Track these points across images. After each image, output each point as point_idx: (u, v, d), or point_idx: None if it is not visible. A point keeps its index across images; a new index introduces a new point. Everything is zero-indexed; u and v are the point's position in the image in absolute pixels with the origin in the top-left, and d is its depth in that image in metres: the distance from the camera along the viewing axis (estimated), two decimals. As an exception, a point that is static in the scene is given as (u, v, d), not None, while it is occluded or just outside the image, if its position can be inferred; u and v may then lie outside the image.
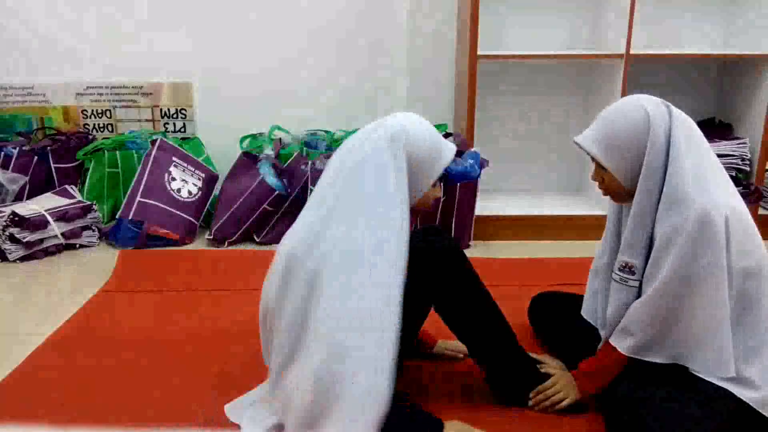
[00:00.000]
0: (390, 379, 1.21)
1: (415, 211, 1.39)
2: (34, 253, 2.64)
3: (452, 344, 1.75)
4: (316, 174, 2.69)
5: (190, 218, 2.89)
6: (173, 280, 2.40)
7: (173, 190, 2.87)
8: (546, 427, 1.48)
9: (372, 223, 1.25)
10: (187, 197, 2.90)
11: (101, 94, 3.20)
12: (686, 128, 1.38)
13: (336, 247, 1.25)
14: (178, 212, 2.84)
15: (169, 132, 3.24)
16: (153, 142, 2.92)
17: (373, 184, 1.28)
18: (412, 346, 1.63)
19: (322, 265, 1.24)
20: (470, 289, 1.52)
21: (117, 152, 3.01)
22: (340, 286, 1.23)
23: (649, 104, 1.39)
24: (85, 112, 3.23)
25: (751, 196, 2.76)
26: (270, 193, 2.81)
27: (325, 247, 1.26)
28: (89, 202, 2.84)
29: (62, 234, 2.69)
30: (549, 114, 3.16)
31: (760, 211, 2.87)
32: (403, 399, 1.38)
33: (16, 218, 2.58)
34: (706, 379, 1.34)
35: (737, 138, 2.89)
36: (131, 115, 3.23)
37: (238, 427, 1.46)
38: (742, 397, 1.31)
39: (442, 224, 2.73)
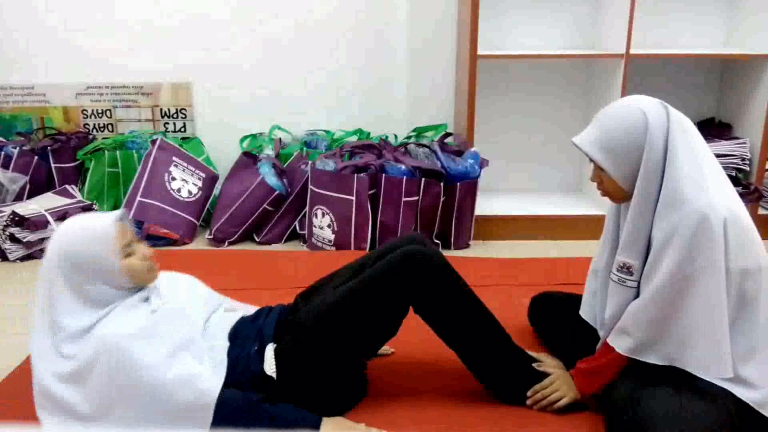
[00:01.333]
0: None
1: (142, 277, 1.43)
2: (34, 252, 2.65)
3: None
4: (316, 174, 2.69)
5: (190, 218, 2.89)
6: (173, 279, 2.40)
7: (173, 190, 2.87)
8: (544, 427, 1.49)
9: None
10: (187, 197, 2.90)
11: (101, 94, 3.20)
12: (684, 129, 1.38)
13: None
14: (178, 212, 2.85)
15: (169, 132, 3.24)
16: (153, 142, 2.92)
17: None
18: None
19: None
20: (450, 293, 1.52)
21: (117, 152, 3.01)
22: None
23: (646, 106, 1.38)
24: (85, 112, 3.23)
25: (750, 195, 2.76)
26: (270, 193, 2.82)
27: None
28: (89, 202, 2.84)
29: (62, 234, 2.69)
30: (549, 114, 3.16)
31: (760, 211, 2.87)
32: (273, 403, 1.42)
33: (17, 218, 2.58)
34: (705, 379, 1.34)
35: (737, 138, 2.89)
36: (131, 115, 3.23)
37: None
38: (741, 397, 1.32)
39: (441, 224, 2.73)
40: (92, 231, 1.37)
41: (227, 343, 1.51)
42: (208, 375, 1.38)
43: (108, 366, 1.30)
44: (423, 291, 1.50)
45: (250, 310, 1.71)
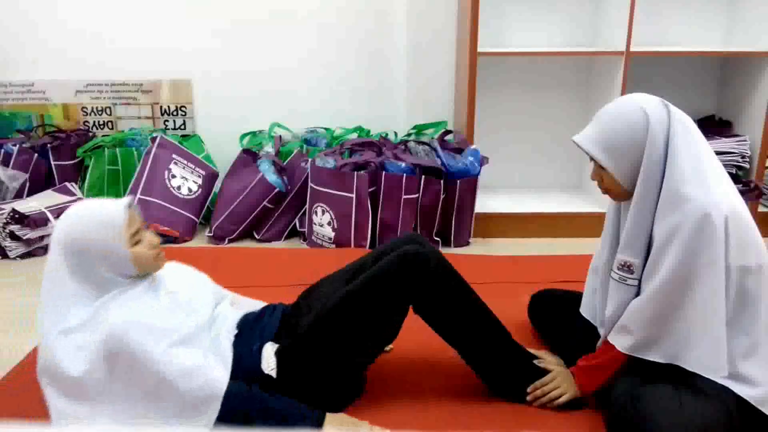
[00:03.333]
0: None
1: (148, 265, 1.42)
2: (35, 250, 2.65)
3: None
4: (316, 171, 2.69)
5: (190, 215, 2.89)
6: (173, 277, 2.40)
7: (173, 188, 2.87)
8: (544, 424, 1.49)
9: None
10: (187, 194, 2.90)
11: (101, 92, 3.20)
12: (685, 127, 1.38)
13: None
14: (178, 209, 2.85)
15: (168, 129, 3.24)
16: (153, 140, 2.92)
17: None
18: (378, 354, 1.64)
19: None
20: (449, 292, 1.52)
21: (117, 149, 3.01)
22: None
23: (647, 103, 1.38)
24: (85, 110, 3.23)
25: (750, 193, 2.76)
26: (270, 190, 2.81)
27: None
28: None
29: (62, 231, 2.69)
30: (549, 111, 3.16)
31: (760, 209, 2.88)
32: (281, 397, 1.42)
33: (17, 215, 2.58)
34: (704, 376, 1.34)
35: (737, 135, 2.89)
36: (131, 113, 3.23)
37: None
38: (741, 395, 1.32)
39: (442, 222, 2.73)
40: (101, 217, 1.36)
41: (232, 338, 1.51)
42: (216, 366, 1.38)
43: (116, 354, 1.30)
44: (422, 291, 1.50)
45: (256, 305, 1.71)
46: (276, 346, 1.49)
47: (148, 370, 1.30)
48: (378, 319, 1.49)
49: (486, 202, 2.93)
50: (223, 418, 1.33)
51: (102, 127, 3.25)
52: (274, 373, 1.45)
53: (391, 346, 1.79)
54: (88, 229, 1.35)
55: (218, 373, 1.37)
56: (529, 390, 1.55)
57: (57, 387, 1.33)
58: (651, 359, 1.40)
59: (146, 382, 1.31)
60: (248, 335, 1.53)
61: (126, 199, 1.40)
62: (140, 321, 1.33)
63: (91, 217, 1.37)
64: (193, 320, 1.43)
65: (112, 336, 1.30)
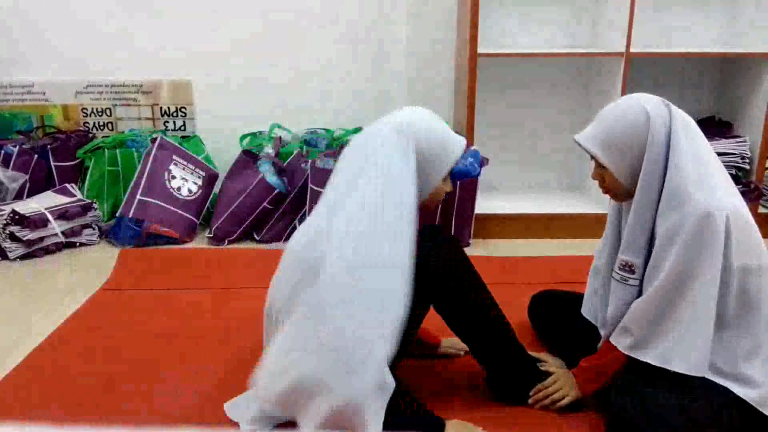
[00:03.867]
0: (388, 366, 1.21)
1: (425, 207, 1.39)
2: (35, 251, 2.65)
3: (454, 341, 1.75)
4: (317, 172, 2.69)
5: (191, 217, 2.89)
6: (173, 278, 2.40)
7: (173, 189, 2.87)
8: (546, 426, 1.49)
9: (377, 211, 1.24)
10: (187, 196, 2.90)
11: (101, 93, 3.20)
12: (686, 127, 1.38)
13: (338, 234, 1.24)
14: (178, 210, 2.84)
15: (169, 130, 3.24)
16: (153, 141, 2.92)
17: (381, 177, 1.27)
18: (409, 347, 1.62)
19: (327, 251, 1.23)
20: (471, 288, 1.52)
21: (117, 150, 3.00)
22: (346, 266, 1.20)
23: (648, 103, 1.38)
24: (85, 111, 3.22)
25: (751, 194, 2.76)
26: (270, 191, 2.81)
27: (328, 237, 1.24)
28: (89, 201, 2.84)
29: (62, 232, 2.69)
30: (549, 112, 3.16)
31: (760, 210, 2.87)
32: (406, 397, 1.38)
33: (17, 216, 2.58)
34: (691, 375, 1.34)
35: (737, 136, 2.89)
36: (131, 114, 3.23)
37: (237, 425, 1.47)
38: (741, 396, 1.32)
39: (442, 223, 2.73)
40: (450, 138, 1.37)
41: None
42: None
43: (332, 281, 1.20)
44: (449, 286, 1.47)
45: None
46: None
47: (345, 332, 1.19)
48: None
49: (486, 203, 2.93)
50: None
51: (102, 128, 3.25)
52: None
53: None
54: (437, 139, 1.34)
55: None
56: (531, 393, 1.54)
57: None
58: (646, 361, 1.39)
59: (327, 339, 1.19)
60: None
61: (462, 138, 1.40)
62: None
63: (444, 134, 1.37)
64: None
65: (340, 266, 1.21)
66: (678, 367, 1.33)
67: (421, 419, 1.37)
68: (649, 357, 1.39)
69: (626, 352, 1.42)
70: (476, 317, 1.53)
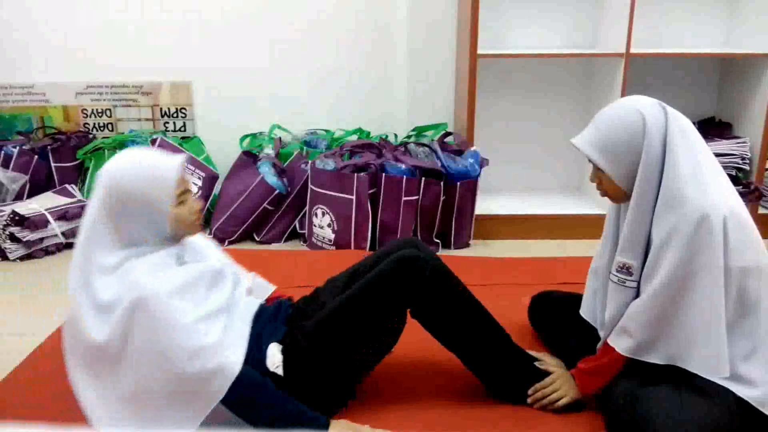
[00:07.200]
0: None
1: (185, 226, 1.40)
2: (35, 252, 2.65)
3: None
4: (317, 173, 2.69)
5: (190, 217, 2.89)
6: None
7: (173, 190, 2.86)
8: (546, 426, 1.49)
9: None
10: (187, 196, 2.90)
11: (101, 94, 3.20)
12: (682, 129, 1.38)
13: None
14: (178, 211, 2.84)
15: (168, 131, 3.24)
16: (153, 142, 2.92)
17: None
18: (387, 354, 1.62)
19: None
20: (446, 296, 1.52)
21: (117, 151, 3.00)
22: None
23: (644, 106, 1.39)
24: (85, 112, 3.23)
25: (750, 195, 2.76)
26: (270, 192, 2.82)
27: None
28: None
29: (62, 233, 2.69)
30: (549, 113, 3.16)
31: (760, 210, 2.87)
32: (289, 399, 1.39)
33: (17, 217, 2.58)
34: (705, 378, 1.34)
35: (737, 137, 2.89)
36: (131, 115, 3.23)
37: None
38: (741, 396, 1.31)
39: (442, 224, 2.73)
40: (154, 170, 1.32)
41: (249, 325, 1.49)
42: (234, 348, 1.35)
43: (139, 317, 1.26)
44: (418, 295, 1.49)
45: (269, 289, 1.71)
46: (280, 346, 1.49)
47: (171, 340, 1.26)
48: (376, 324, 1.48)
49: (486, 204, 2.93)
50: (227, 400, 1.30)
51: (102, 129, 3.25)
52: (280, 371, 1.42)
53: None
54: (138, 179, 1.31)
55: (237, 355, 1.34)
56: (529, 392, 1.55)
57: (81, 352, 1.34)
58: (652, 361, 1.39)
59: (164, 349, 1.26)
60: (259, 329, 1.50)
61: (182, 156, 1.37)
62: (170, 290, 1.29)
63: (145, 168, 1.33)
64: (220, 296, 1.41)
65: (141, 299, 1.26)
66: (697, 369, 1.33)
67: (307, 417, 1.36)
68: (654, 358, 1.39)
69: (626, 354, 1.42)
70: (458, 323, 1.53)
